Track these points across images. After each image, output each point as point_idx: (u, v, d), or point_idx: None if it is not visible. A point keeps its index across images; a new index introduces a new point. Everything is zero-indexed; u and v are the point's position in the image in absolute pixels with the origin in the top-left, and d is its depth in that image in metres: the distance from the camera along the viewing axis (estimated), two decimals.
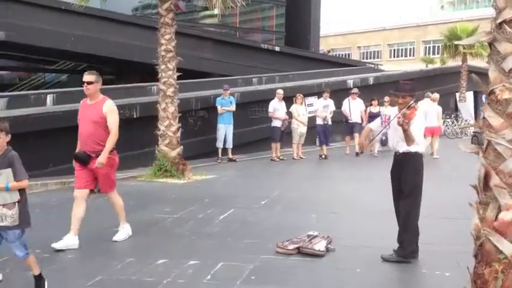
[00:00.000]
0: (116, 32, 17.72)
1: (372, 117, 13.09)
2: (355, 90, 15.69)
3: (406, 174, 5.15)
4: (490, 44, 3.43)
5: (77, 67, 23.77)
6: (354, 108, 15.08)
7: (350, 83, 19.50)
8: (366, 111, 15.10)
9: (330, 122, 14.36)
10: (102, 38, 17.03)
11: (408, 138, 4.99)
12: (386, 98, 14.17)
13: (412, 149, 5.11)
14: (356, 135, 14.67)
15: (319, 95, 15.26)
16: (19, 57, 20.41)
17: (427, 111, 14.11)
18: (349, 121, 15.07)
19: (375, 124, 5.66)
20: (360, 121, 14.97)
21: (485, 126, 3.41)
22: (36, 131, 10.12)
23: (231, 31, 27.69)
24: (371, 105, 15.16)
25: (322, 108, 14.28)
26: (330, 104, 14.32)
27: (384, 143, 13.94)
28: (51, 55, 19.53)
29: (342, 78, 20.14)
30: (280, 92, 13.80)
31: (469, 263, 3.58)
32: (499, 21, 3.34)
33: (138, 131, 11.89)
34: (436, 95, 15.20)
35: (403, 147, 5.14)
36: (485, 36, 3.46)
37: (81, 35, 16.56)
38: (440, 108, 15.07)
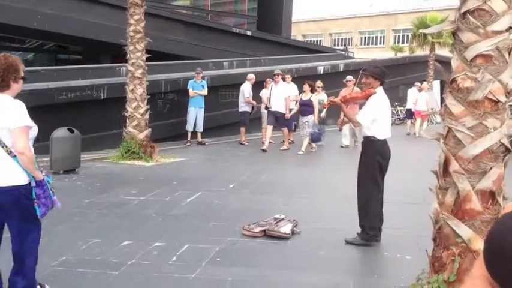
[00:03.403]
0: (84, 10, 17.31)
1: (303, 105, 12.34)
2: (278, 71, 13.20)
3: (361, 159, 5.35)
4: (454, 33, 3.51)
5: (44, 46, 23.22)
6: (276, 93, 12.89)
7: (320, 69, 19.63)
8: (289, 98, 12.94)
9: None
10: (69, 17, 16.62)
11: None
12: (319, 84, 13.06)
13: (368, 133, 5.24)
14: (284, 130, 13.12)
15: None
16: None
17: (418, 98, 17.43)
18: (270, 109, 12.94)
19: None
20: (283, 110, 12.79)
21: (446, 114, 3.50)
22: None
23: (202, 14, 27.40)
24: (303, 91, 12.50)
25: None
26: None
27: (315, 139, 12.36)
28: (17, 33, 18.99)
29: (312, 64, 20.23)
30: (252, 76, 13.78)
31: (428, 247, 3.69)
32: (462, 11, 3.42)
33: (105, 112, 11.76)
34: (425, 84, 18.46)
35: (364, 133, 5.34)
36: (449, 25, 3.54)
37: (48, 13, 16.13)
38: (427, 95, 17.85)
